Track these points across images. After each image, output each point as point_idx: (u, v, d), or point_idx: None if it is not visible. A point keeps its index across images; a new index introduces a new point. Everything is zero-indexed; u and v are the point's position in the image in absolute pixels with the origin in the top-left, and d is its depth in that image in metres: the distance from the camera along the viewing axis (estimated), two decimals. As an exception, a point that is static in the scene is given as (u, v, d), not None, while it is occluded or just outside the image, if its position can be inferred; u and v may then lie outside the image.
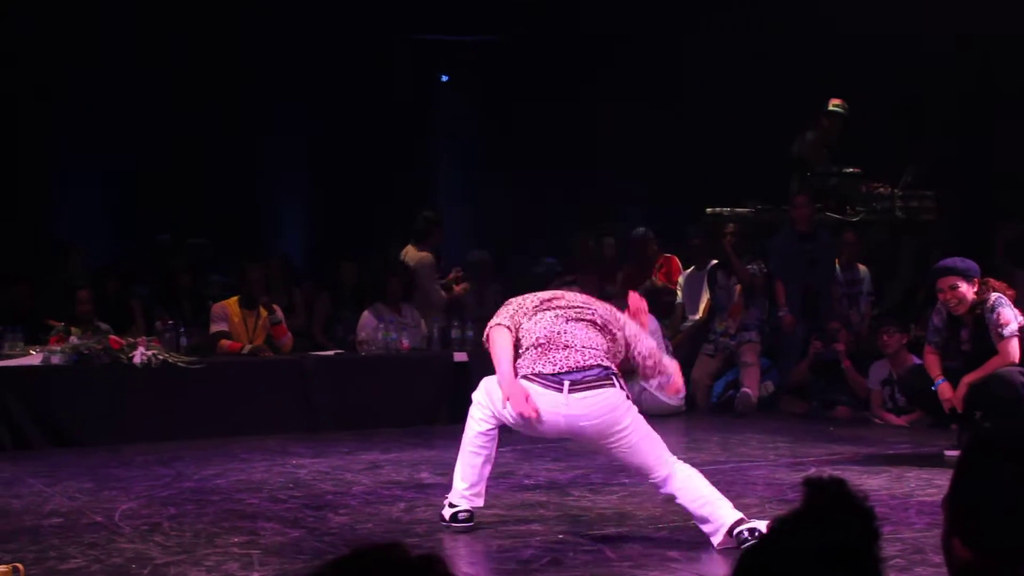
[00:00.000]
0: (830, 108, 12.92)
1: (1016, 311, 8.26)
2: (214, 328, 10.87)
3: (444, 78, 18.37)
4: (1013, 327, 8.17)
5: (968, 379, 8.26)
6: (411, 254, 12.37)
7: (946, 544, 2.06)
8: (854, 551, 1.76)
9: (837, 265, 12.28)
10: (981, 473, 2.05)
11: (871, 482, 7.72)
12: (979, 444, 2.14)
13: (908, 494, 7.31)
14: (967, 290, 8.22)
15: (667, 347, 11.74)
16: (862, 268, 12.43)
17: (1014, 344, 8.16)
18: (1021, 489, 1.98)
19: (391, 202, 16.27)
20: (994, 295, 8.27)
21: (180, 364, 9.95)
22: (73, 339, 9.88)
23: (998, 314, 8.17)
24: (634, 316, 6.60)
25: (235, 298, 11.02)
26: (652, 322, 11.62)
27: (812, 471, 8.21)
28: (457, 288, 12.52)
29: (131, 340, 10.02)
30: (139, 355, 9.78)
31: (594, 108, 15.70)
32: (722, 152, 13.96)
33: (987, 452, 2.09)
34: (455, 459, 6.57)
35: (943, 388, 8.38)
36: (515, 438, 9.86)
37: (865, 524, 1.81)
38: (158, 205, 15.40)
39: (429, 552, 1.75)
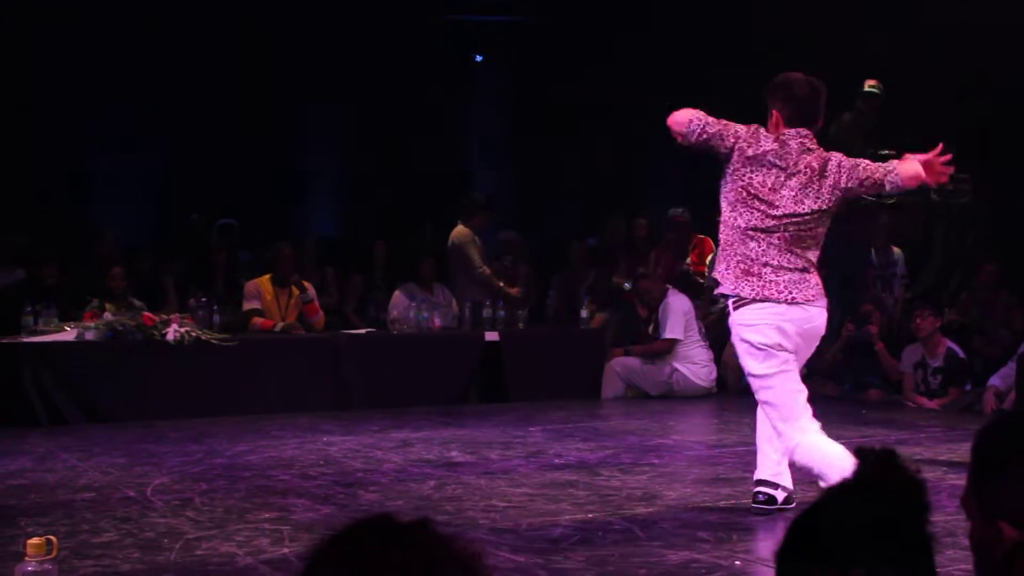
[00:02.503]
0: (866, 89, 12.82)
1: None
2: (247, 306, 10.91)
3: (478, 58, 18.35)
4: None
5: None
6: (456, 230, 12.27)
7: (985, 529, 2.04)
8: (903, 523, 1.75)
9: (872, 248, 12.22)
10: (1018, 452, 2.05)
11: (903, 465, 7.68)
12: (1004, 426, 2.14)
13: (940, 478, 7.27)
14: None
15: (700, 328, 11.74)
16: (896, 251, 12.37)
17: None
18: None
19: (424, 183, 16.28)
20: None
21: (213, 341, 9.99)
22: (107, 315, 9.94)
23: None
24: None
25: (268, 276, 11.06)
26: (685, 303, 11.63)
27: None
28: (512, 290, 12.40)
29: (164, 317, 10.07)
30: (172, 332, 9.81)
31: (628, 91, 15.63)
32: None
33: (1020, 432, 2.09)
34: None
35: None
36: (548, 417, 9.92)
37: (915, 496, 1.80)
38: (192, 184, 15.42)
39: (420, 517, 1.76)
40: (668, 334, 11.46)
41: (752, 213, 6.04)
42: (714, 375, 11.72)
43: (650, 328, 11.87)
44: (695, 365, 11.55)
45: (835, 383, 11.67)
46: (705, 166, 14.32)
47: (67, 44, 14.45)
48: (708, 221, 13.06)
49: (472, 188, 15.76)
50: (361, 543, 1.70)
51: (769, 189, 6.03)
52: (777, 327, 6.00)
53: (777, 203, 6.00)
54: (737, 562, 5.30)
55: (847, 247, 11.99)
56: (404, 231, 14.73)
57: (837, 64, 13.21)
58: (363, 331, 11.35)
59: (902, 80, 12.76)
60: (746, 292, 6.04)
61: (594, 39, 15.88)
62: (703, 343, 11.69)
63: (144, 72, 14.88)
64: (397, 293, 11.76)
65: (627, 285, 12.75)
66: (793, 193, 6.01)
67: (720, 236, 6.28)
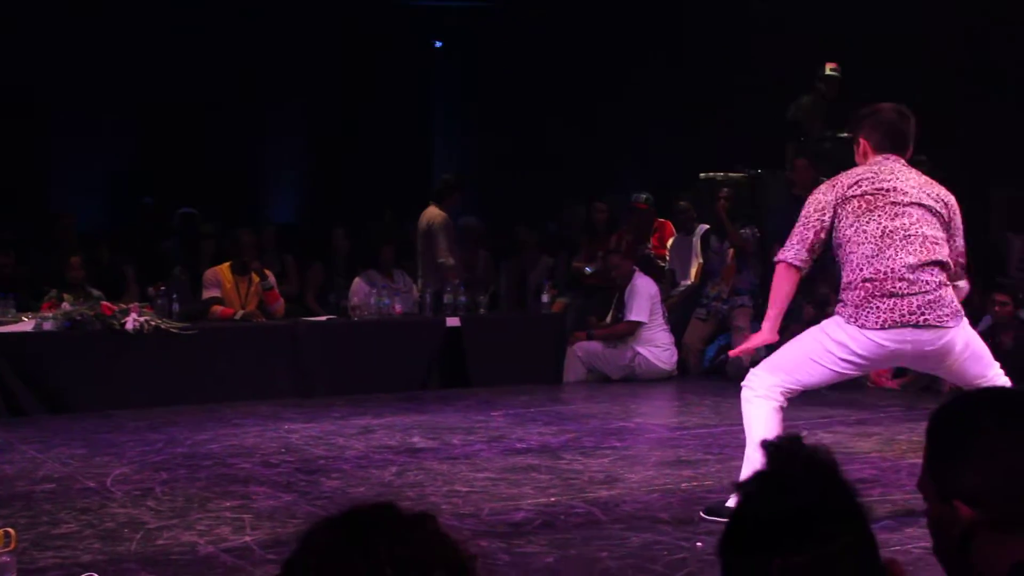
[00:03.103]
0: (827, 73, 12.89)
1: None
2: (207, 294, 10.86)
3: (438, 44, 18.33)
4: None
5: None
6: (426, 213, 12.24)
7: (941, 510, 2.06)
8: (818, 507, 1.78)
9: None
10: (972, 431, 2.07)
11: (862, 444, 7.75)
12: (957, 409, 2.15)
13: (899, 456, 7.34)
14: None
15: (664, 312, 11.76)
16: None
17: None
18: (1007, 442, 2.03)
19: (385, 169, 16.25)
20: None
21: (172, 330, 9.92)
22: (65, 305, 9.86)
23: None
24: None
25: (228, 264, 11.00)
26: (652, 286, 11.66)
27: (805, 434, 8.23)
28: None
29: (123, 306, 10.00)
30: (131, 321, 9.75)
31: (587, 77, 15.65)
32: (716, 117, 13.94)
33: (967, 415, 2.12)
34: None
35: None
36: (509, 401, 9.93)
37: (825, 478, 1.82)
38: (153, 173, 15.35)
39: (423, 511, 1.76)
40: (634, 316, 11.47)
41: None
42: (675, 358, 11.75)
43: (609, 313, 11.91)
44: (657, 348, 11.57)
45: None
46: (664, 153, 14.37)
47: (22, 24, 14.33)
48: (666, 205, 13.17)
49: (431, 174, 15.76)
50: (358, 532, 1.69)
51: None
52: None
53: None
54: (699, 543, 5.32)
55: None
56: (364, 218, 14.70)
57: (799, 48, 13.30)
58: (324, 318, 11.32)
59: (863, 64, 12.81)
60: None
61: (554, 24, 15.89)
62: (665, 327, 11.72)
63: (103, 59, 14.79)
64: (357, 280, 11.75)
65: (588, 269, 12.77)
66: None
67: None
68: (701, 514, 5.95)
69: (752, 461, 5.59)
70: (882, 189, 5.66)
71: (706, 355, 12.13)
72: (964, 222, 5.86)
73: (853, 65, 12.88)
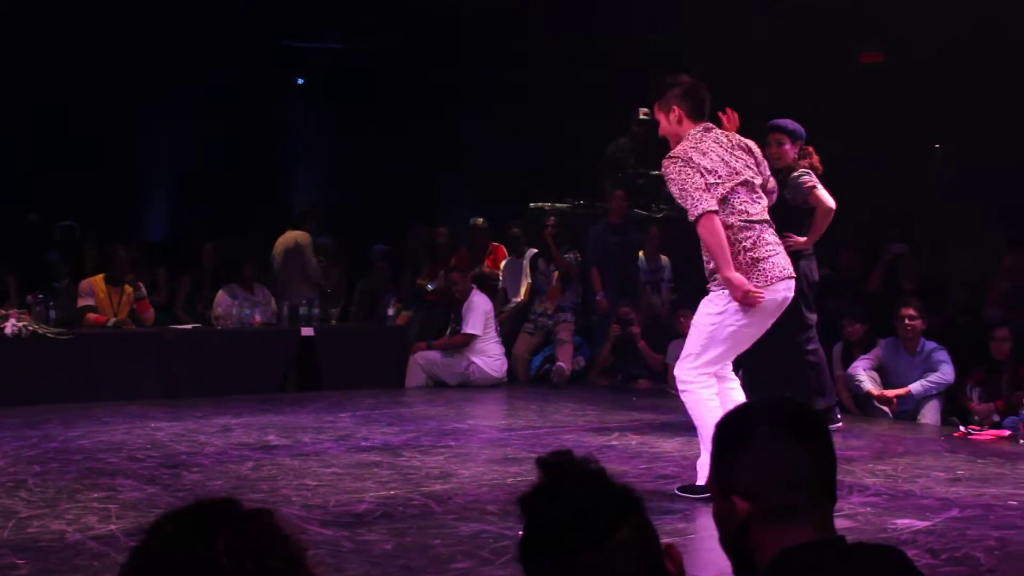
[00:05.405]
0: (640, 117, 13.05)
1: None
2: (81, 303, 10.60)
3: (300, 80, 18.21)
4: (814, 180, 8.08)
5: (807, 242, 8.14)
6: (288, 234, 12.20)
7: (723, 504, 2.11)
8: (591, 511, 1.81)
9: (642, 255, 12.45)
10: (748, 437, 2.14)
11: (666, 445, 7.85)
12: (736, 416, 2.22)
13: (697, 455, 7.43)
14: (790, 149, 8.12)
15: (496, 326, 11.81)
16: (664, 258, 12.60)
17: (822, 191, 8.02)
18: (775, 444, 2.11)
19: (250, 192, 16.10)
20: (803, 170, 8.09)
21: (49, 335, 9.69)
22: (-54, 310, 9.55)
23: (803, 180, 8.03)
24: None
25: (102, 275, 10.78)
26: (487, 302, 11.70)
27: (615, 436, 8.34)
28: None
29: (3, 312, 9.72)
30: (10, 326, 9.49)
31: (430, 113, 15.68)
32: (543, 154, 14.06)
33: (744, 420, 2.18)
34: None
35: None
36: (357, 404, 9.86)
37: (595, 486, 1.85)
38: (32, 186, 14.95)
39: (261, 507, 1.74)
40: (469, 329, 11.48)
41: None
42: (505, 367, 11.80)
43: (449, 325, 11.93)
44: (490, 358, 11.61)
45: (609, 376, 11.86)
46: (498, 184, 14.39)
47: None
48: (503, 230, 13.24)
49: (292, 196, 15.63)
50: (197, 522, 1.67)
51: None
52: None
53: None
54: (521, 532, 5.32)
55: (623, 254, 12.23)
56: (230, 234, 14.54)
57: (617, 90, 13.44)
58: (190, 326, 11.13)
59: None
60: None
61: (402, 64, 15.90)
62: (497, 339, 11.77)
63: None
64: (221, 292, 11.69)
65: (430, 287, 12.77)
66: None
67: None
68: (676, 491, 6.13)
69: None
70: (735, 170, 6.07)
71: (532, 364, 12.23)
72: None
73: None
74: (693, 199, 5.96)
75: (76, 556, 4.87)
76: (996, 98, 11.43)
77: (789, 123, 8.22)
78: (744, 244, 6.06)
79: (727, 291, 5.98)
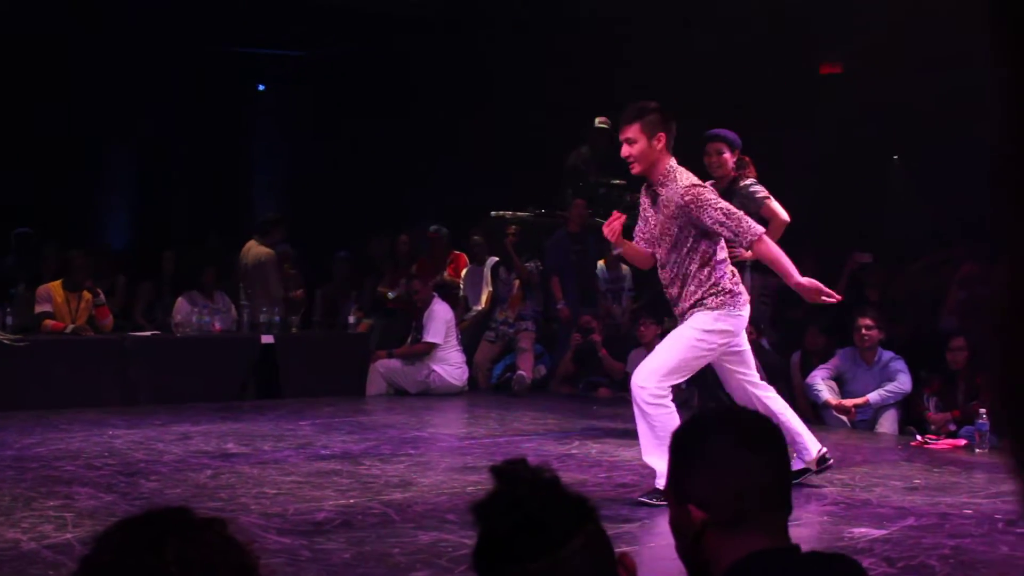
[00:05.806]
0: (597, 125, 13.05)
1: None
2: (39, 309, 10.50)
3: (261, 87, 18.15)
4: (765, 190, 8.06)
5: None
6: (254, 249, 12.08)
7: (678, 513, 2.13)
8: (546, 518, 1.81)
9: (602, 264, 12.47)
10: (702, 447, 2.15)
11: (625, 453, 7.85)
12: (692, 426, 2.24)
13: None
14: (729, 157, 8.11)
15: (457, 334, 11.80)
16: (624, 268, 12.63)
17: (775, 203, 8.02)
18: (729, 453, 2.12)
19: (210, 200, 16.02)
20: (751, 180, 8.07)
21: (5, 341, 9.61)
22: (-97, 317, 9.44)
23: (755, 190, 8.00)
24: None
25: (60, 281, 10.68)
26: (448, 311, 11.69)
27: (575, 444, 8.35)
28: (296, 294, 12.37)
29: (-41, 319, 9.63)
30: (-34, 333, 9.40)
31: (392, 123, 15.64)
32: (508, 161, 14.04)
33: (699, 430, 2.20)
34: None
35: None
36: (317, 412, 9.82)
37: (547, 493, 1.85)
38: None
39: (214, 516, 1.73)
40: (430, 338, 11.47)
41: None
42: (466, 375, 11.80)
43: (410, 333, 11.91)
44: (450, 366, 11.60)
45: (570, 384, 11.87)
46: (460, 193, 14.37)
47: None
48: (462, 239, 13.23)
49: (253, 203, 15.56)
50: (147, 532, 1.66)
51: None
52: None
53: None
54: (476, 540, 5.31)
55: (582, 262, 12.25)
56: (189, 242, 14.46)
57: (579, 98, 13.45)
58: (149, 333, 11.06)
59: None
60: None
61: (363, 71, 15.86)
62: (458, 347, 11.76)
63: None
64: (180, 299, 11.60)
65: (391, 295, 12.75)
66: None
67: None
68: (639, 498, 6.19)
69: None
70: None
71: (493, 373, 12.23)
72: None
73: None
74: (747, 222, 6.16)
75: (31, 565, 4.83)
76: (953, 110, 11.53)
77: (727, 132, 8.27)
78: (727, 275, 6.27)
79: (718, 312, 6.17)
